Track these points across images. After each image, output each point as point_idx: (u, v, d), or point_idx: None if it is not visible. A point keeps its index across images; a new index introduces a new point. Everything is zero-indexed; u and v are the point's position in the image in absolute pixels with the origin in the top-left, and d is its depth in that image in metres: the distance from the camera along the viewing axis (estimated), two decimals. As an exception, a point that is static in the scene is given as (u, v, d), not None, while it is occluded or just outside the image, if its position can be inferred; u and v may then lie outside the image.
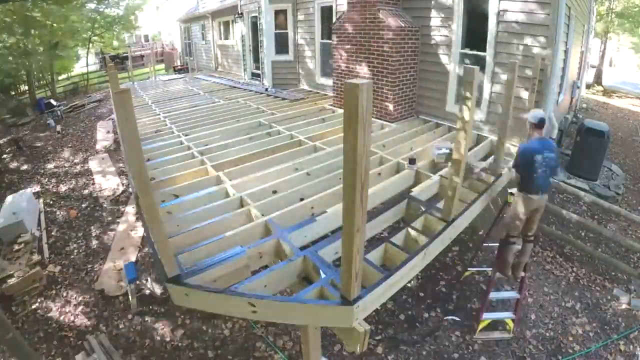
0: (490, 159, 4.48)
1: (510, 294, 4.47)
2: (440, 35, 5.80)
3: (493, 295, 4.32)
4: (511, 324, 4.36)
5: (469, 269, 5.06)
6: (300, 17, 8.93)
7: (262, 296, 2.33)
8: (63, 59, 18.81)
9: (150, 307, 4.84)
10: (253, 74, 11.19)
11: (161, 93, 10.32)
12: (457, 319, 4.55)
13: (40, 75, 17.75)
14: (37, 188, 8.40)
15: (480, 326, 4.34)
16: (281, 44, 9.46)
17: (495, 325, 4.38)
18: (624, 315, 4.64)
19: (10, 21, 11.50)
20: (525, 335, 4.31)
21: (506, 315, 4.40)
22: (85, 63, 21.45)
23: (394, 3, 6.04)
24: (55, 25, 13.71)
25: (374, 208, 3.78)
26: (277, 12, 9.24)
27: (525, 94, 4.80)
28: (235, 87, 10.38)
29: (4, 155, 10.38)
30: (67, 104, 16.22)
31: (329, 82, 8.24)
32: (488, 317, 4.32)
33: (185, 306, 3.92)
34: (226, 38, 13.40)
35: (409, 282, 3.41)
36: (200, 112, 7.49)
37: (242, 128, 6.16)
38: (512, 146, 5.03)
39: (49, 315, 4.85)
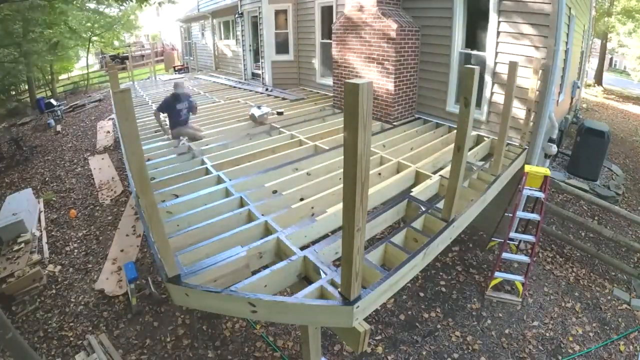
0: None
1: (521, 257, 4.88)
2: (441, 35, 5.79)
3: (505, 255, 4.75)
4: (520, 288, 4.77)
5: (492, 238, 5.54)
6: (301, 17, 8.93)
7: (262, 296, 2.33)
8: (63, 59, 18.82)
9: (150, 307, 4.84)
10: (253, 74, 11.19)
11: (161, 93, 10.31)
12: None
13: (40, 75, 17.76)
14: (37, 188, 8.40)
15: (492, 284, 4.82)
16: (281, 44, 9.46)
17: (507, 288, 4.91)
18: (624, 315, 4.64)
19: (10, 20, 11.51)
20: (525, 335, 4.31)
21: (516, 278, 4.80)
22: (85, 63, 21.47)
23: (394, 3, 6.04)
24: (55, 26, 13.72)
25: (374, 208, 3.78)
26: (277, 12, 9.24)
27: (525, 94, 4.80)
28: (235, 87, 10.38)
29: (4, 155, 10.38)
30: (67, 103, 16.25)
31: (329, 82, 8.24)
32: (499, 275, 4.78)
33: (185, 306, 3.92)
34: (226, 38, 13.40)
35: (409, 282, 3.42)
36: (200, 111, 7.48)
37: (243, 128, 6.16)
38: (512, 145, 5.04)
39: (49, 315, 4.85)
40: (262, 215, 3.24)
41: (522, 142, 5.01)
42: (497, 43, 5.14)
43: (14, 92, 16.61)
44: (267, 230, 3.10)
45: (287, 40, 9.32)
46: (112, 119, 12.28)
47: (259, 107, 6.36)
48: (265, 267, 2.75)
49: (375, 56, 6.09)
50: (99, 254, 6.00)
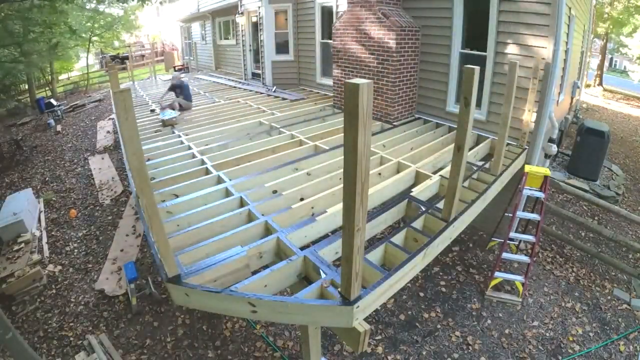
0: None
1: (521, 257, 4.88)
2: (441, 35, 5.79)
3: (505, 255, 4.75)
4: (520, 288, 4.78)
5: (492, 238, 5.55)
6: (301, 17, 8.93)
7: (262, 296, 2.33)
8: (63, 59, 18.83)
9: (150, 307, 4.84)
10: (253, 74, 11.19)
11: (161, 93, 10.30)
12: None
13: (40, 75, 17.77)
14: (37, 188, 8.40)
15: (492, 284, 4.83)
16: (281, 44, 9.47)
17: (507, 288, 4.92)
18: (624, 315, 4.64)
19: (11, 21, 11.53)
20: (525, 335, 4.31)
21: (516, 278, 4.81)
22: (85, 63, 21.48)
23: (395, 3, 6.04)
24: (55, 26, 13.72)
25: (374, 208, 3.78)
26: (277, 12, 9.25)
27: (525, 94, 4.80)
28: (235, 86, 10.38)
29: (4, 155, 10.38)
30: (67, 103, 16.26)
31: (329, 82, 8.24)
32: (499, 275, 4.79)
33: (185, 306, 3.92)
34: (226, 38, 13.40)
35: (409, 282, 3.42)
36: (200, 111, 7.49)
37: (243, 128, 6.16)
38: (512, 146, 5.04)
39: (49, 315, 4.85)
40: (262, 215, 3.24)
41: (522, 142, 5.00)
42: (497, 43, 5.14)
43: (14, 92, 16.61)
44: (267, 230, 3.10)
45: (287, 40, 9.32)
46: (112, 119, 12.29)
47: (167, 108, 6.85)
48: (265, 267, 2.75)
49: (375, 56, 6.09)
50: (99, 254, 6.00)
